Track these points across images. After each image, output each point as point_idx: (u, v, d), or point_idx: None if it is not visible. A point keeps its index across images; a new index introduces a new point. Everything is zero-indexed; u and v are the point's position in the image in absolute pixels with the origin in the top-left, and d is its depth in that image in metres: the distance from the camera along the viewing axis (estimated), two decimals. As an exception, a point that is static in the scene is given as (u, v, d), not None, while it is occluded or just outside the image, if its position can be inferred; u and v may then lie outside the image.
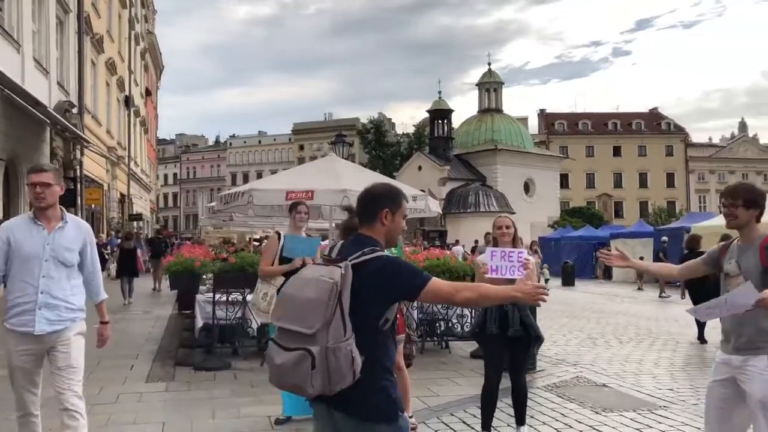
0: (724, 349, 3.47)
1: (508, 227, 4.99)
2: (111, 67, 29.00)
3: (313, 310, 2.50)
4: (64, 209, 3.98)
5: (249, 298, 7.91)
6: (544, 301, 2.68)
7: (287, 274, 5.24)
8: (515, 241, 4.97)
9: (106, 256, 20.27)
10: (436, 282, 2.66)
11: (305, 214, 5.62)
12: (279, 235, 5.64)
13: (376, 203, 2.79)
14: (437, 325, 9.10)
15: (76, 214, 22.50)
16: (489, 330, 4.84)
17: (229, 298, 7.81)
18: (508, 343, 4.84)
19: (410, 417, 5.51)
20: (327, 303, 2.48)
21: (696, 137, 77.10)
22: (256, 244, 16.88)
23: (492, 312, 4.85)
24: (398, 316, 5.44)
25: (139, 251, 17.32)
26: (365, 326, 2.57)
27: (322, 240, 7.26)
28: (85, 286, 4.07)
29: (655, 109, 76.82)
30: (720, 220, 23.47)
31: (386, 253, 2.72)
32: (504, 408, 5.56)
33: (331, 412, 2.64)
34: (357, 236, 2.80)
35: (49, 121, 18.39)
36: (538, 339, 5.17)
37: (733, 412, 3.38)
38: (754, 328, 3.29)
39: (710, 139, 79.93)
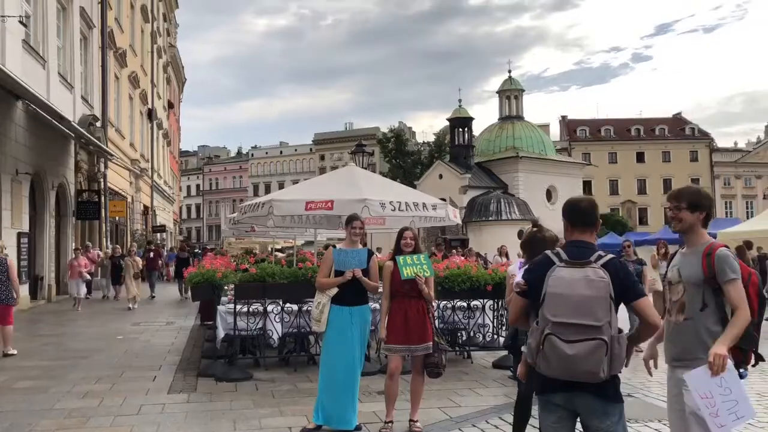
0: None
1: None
2: (134, 80, 29.39)
3: (597, 305, 2.84)
4: None
5: (269, 308, 7.95)
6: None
7: (341, 286, 5.48)
8: None
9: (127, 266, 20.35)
10: (648, 300, 3.04)
11: (360, 229, 5.76)
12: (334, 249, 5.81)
13: (595, 212, 3.15)
14: (459, 334, 9.02)
15: (100, 226, 22.75)
16: (521, 340, 4.79)
17: (250, 309, 7.83)
18: None
19: (416, 422, 5.47)
20: (607, 298, 2.84)
21: (720, 142, 76.21)
22: (278, 255, 16.94)
23: None
24: (427, 323, 5.43)
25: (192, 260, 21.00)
26: None
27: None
28: None
29: (679, 114, 75.94)
30: (747, 227, 23.11)
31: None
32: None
33: (571, 399, 2.94)
34: (578, 242, 3.08)
35: (73, 135, 18.68)
36: None
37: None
38: (694, 339, 3.28)
39: (735, 143, 79.09)
